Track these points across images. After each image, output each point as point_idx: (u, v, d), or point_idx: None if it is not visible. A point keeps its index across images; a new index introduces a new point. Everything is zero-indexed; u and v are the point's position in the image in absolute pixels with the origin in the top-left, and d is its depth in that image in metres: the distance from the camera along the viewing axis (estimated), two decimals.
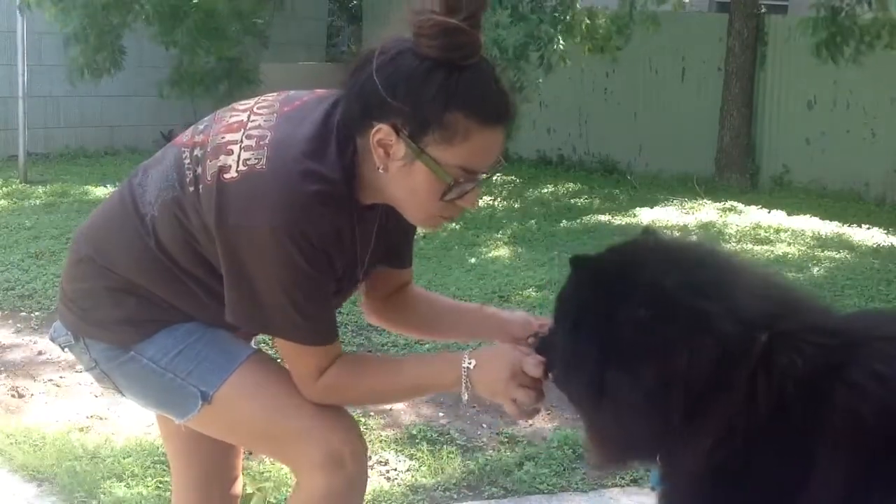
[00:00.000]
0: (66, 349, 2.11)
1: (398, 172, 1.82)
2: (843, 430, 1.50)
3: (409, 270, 2.25)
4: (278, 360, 2.10)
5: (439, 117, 1.76)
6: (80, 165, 10.09)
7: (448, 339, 2.00)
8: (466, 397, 1.97)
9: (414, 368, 2.06)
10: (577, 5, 8.15)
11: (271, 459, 3.37)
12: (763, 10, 10.22)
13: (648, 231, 1.86)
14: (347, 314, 5.25)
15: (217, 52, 8.80)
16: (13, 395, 4.28)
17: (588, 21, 8.50)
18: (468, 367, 1.94)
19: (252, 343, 2.23)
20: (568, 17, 7.70)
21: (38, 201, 8.19)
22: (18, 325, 5.12)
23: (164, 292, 1.99)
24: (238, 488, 2.35)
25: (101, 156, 10.66)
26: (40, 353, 4.70)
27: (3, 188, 8.74)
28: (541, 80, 7.49)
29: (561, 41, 7.39)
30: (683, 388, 1.58)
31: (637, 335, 1.59)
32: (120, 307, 2.00)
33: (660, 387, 1.58)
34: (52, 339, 2.14)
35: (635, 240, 1.84)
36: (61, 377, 4.39)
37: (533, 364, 1.90)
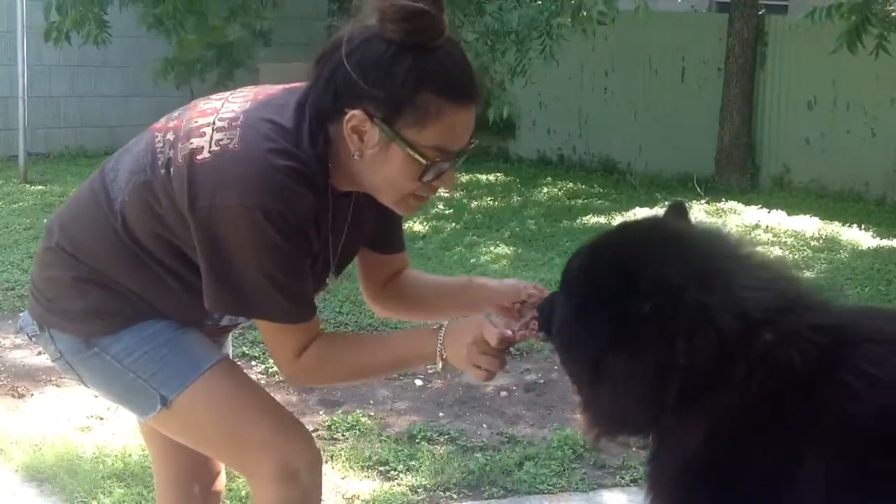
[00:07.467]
0: (33, 339, 2.11)
1: (374, 158, 1.84)
2: (832, 431, 1.51)
3: (401, 256, 2.26)
4: (243, 369, 2.10)
5: (411, 99, 1.78)
6: (80, 165, 10.07)
7: (446, 316, 2.02)
8: (440, 365, 1.99)
9: (394, 342, 2.08)
10: None
11: None
12: (763, 11, 10.22)
13: (676, 207, 1.87)
14: (348, 314, 5.26)
15: (203, 36, 8.75)
16: (13, 395, 4.28)
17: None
18: (442, 335, 1.97)
19: (224, 348, 2.23)
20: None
21: (38, 201, 8.19)
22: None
23: (132, 282, 1.98)
24: (220, 485, 2.35)
25: (101, 156, 10.56)
26: (40, 353, 4.69)
27: (3, 188, 8.73)
28: (549, 60, 7.36)
29: (559, 25, 7.29)
30: (679, 380, 1.60)
31: (639, 327, 1.61)
32: (85, 298, 1.99)
33: (657, 378, 1.61)
34: (20, 329, 2.14)
35: (657, 220, 1.88)
36: (61, 377, 4.38)
37: (494, 334, 1.92)
